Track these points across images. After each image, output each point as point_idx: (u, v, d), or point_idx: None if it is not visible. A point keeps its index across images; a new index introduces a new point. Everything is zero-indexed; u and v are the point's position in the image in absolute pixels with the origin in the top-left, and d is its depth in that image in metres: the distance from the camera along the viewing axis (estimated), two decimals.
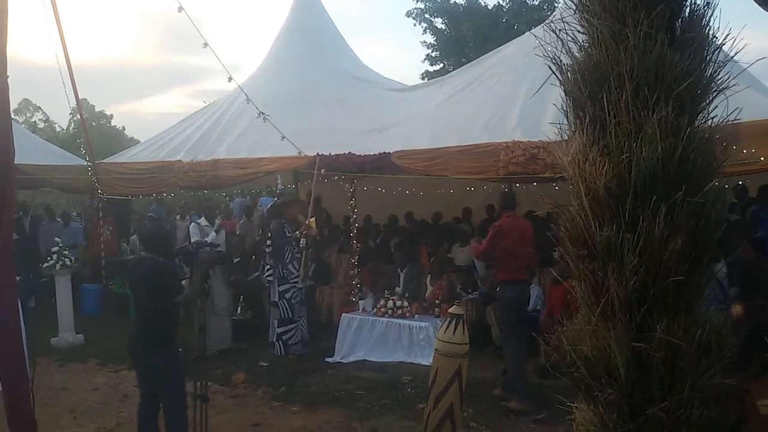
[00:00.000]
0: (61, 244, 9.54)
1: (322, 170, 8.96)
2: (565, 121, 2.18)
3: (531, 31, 8.79)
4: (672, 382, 1.92)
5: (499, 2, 24.44)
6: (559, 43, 2.09)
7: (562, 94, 2.20)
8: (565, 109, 2.19)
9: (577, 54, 2.12)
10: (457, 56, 23.42)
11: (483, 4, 24.78)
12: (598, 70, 2.00)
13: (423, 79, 23.89)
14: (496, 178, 8.53)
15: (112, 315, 10.58)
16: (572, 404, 2.11)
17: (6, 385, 3.87)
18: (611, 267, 1.94)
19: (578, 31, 2.11)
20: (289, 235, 8.69)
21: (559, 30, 2.10)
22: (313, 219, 8.87)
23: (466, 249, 10.02)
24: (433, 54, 26.04)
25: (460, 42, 24.23)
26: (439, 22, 25.51)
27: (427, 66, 26.45)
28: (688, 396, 1.91)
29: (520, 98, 8.65)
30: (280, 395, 7.04)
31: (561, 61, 2.11)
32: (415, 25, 25.76)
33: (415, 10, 25.29)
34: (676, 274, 1.93)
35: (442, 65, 25.42)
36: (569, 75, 2.09)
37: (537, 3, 23.93)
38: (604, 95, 1.99)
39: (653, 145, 1.89)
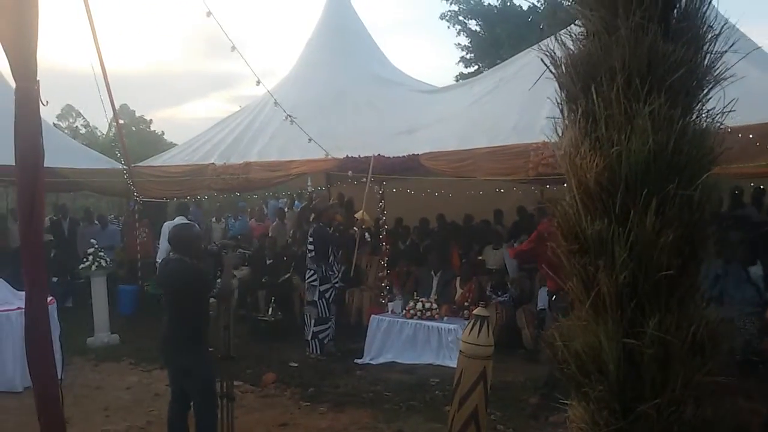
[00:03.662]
0: (96, 246, 9.72)
1: (350, 172, 8.99)
2: (560, 116, 2.14)
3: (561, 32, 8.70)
4: (664, 379, 1.87)
5: (533, 3, 24.26)
6: (554, 36, 2.06)
7: (557, 87, 2.17)
8: (559, 102, 2.16)
9: (571, 46, 2.09)
10: (492, 58, 23.25)
11: (517, 6, 24.62)
12: (590, 62, 1.97)
13: (457, 81, 23.81)
14: (526, 180, 8.45)
15: (147, 315, 10.70)
16: (566, 402, 2.07)
17: (36, 384, 3.96)
18: (602, 261, 1.90)
19: (575, 24, 2.08)
20: (331, 233, 8.83)
21: (556, 24, 2.07)
22: (362, 211, 9.00)
23: (498, 251, 9.96)
24: (468, 56, 25.95)
25: (494, 44, 24.06)
26: (473, 24, 25.42)
27: (461, 68, 26.39)
28: (680, 394, 1.86)
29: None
30: (308, 396, 7.06)
31: (555, 54, 2.08)
32: (448, 27, 25.73)
33: (449, 13, 25.23)
34: (668, 268, 1.88)
35: (476, 67, 25.27)
36: (563, 68, 2.06)
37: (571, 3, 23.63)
38: (596, 87, 1.96)
39: (644, 138, 1.85)
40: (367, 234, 8.96)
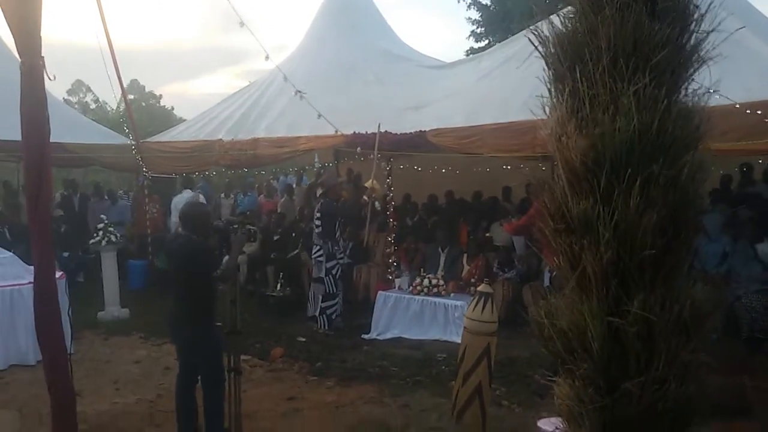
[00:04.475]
0: (106, 221, 9.80)
1: (358, 148, 9.00)
2: (548, 95, 2.14)
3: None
4: (648, 357, 1.89)
5: None
6: (540, 15, 2.05)
7: (545, 66, 2.16)
8: (546, 82, 2.15)
9: (560, 26, 2.08)
10: (503, 32, 22.94)
11: None
12: (576, 41, 1.96)
13: (468, 56, 23.54)
14: (534, 156, 8.40)
15: (157, 290, 10.77)
16: (553, 379, 2.10)
17: (46, 357, 4.04)
18: (587, 240, 1.91)
19: (563, 3, 2.07)
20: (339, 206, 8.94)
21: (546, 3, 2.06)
22: (372, 180, 9.06)
23: None
24: (478, 30, 25.61)
25: (505, 17, 23.74)
26: None
27: (472, 42, 26.07)
28: (664, 372, 1.87)
29: None
30: (316, 370, 7.15)
31: (543, 32, 2.07)
32: (458, 1, 25.40)
33: None
34: (652, 248, 1.89)
35: (487, 41, 24.96)
36: (550, 47, 2.05)
37: None
38: (582, 67, 1.95)
39: (629, 117, 1.84)
40: (377, 203, 8.98)
